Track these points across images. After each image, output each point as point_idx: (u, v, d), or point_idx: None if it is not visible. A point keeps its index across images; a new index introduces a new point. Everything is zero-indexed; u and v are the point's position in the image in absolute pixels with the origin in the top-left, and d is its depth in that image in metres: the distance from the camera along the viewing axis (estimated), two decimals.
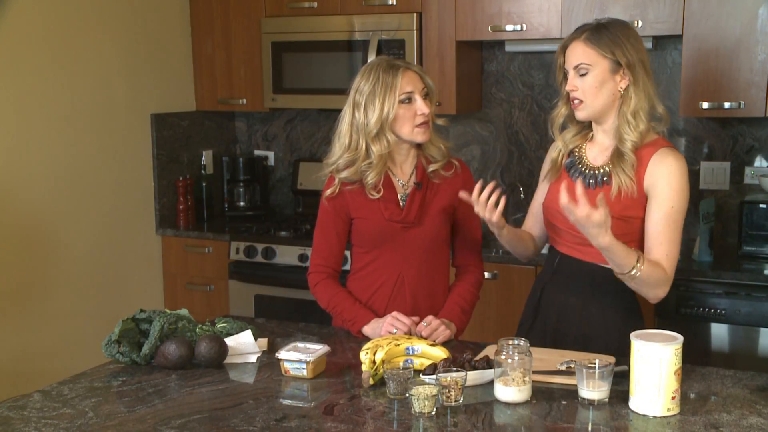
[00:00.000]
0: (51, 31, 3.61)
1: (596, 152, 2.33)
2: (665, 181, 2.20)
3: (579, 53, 2.23)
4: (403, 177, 2.49)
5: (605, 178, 2.27)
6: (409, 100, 2.38)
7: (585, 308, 2.33)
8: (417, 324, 2.37)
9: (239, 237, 4.01)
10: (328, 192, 2.47)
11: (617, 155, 2.24)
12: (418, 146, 2.49)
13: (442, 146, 2.49)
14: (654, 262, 2.19)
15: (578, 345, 2.24)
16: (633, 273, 2.14)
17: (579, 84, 2.24)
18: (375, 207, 2.45)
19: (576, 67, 2.24)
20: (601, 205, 2.04)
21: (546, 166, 2.48)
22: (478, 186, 2.24)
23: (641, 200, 2.23)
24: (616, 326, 2.29)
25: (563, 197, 2.07)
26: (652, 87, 2.24)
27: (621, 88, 2.23)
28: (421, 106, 2.38)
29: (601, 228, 2.05)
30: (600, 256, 2.27)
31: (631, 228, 2.25)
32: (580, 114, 2.28)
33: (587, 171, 2.31)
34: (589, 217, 2.03)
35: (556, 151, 2.41)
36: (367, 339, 2.36)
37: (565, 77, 2.30)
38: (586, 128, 2.38)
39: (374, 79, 2.37)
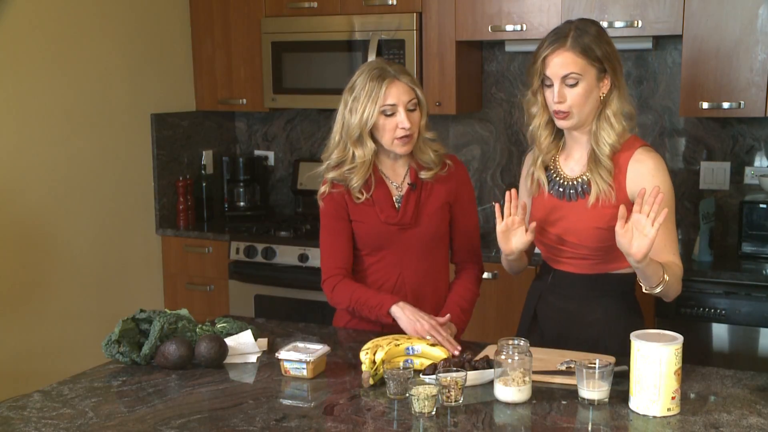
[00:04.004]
0: (51, 31, 3.61)
1: (572, 164, 2.31)
2: (649, 183, 2.14)
3: (569, 63, 2.16)
4: (396, 179, 2.49)
5: (584, 187, 2.25)
6: (391, 113, 2.35)
7: (587, 313, 2.32)
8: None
9: (239, 237, 4.01)
10: (321, 190, 2.47)
11: (594, 161, 2.22)
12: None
13: (431, 154, 2.45)
14: (667, 263, 2.16)
15: (583, 350, 2.22)
16: (660, 289, 2.11)
17: (568, 95, 2.18)
18: (370, 210, 2.45)
19: (564, 78, 2.17)
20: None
21: (523, 180, 2.44)
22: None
23: (626, 206, 2.18)
24: (619, 329, 2.27)
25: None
26: (626, 86, 2.25)
27: (603, 93, 2.20)
28: (402, 120, 2.34)
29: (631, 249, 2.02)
30: (594, 267, 2.28)
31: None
32: (565, 124, 2.22)
33: (566, 183, 2.29)
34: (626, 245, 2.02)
35: (532, 164, 2.37)
36: (394, 328, 2.33)
37: (543, 85, 2.23)
38: (559, 134, 2.33)
39: (361, 85, 2.36)
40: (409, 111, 2.36)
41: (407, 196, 2.46)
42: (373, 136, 2.39)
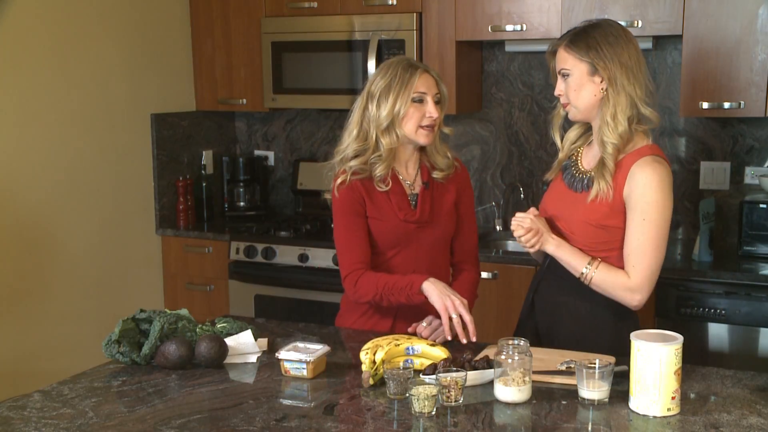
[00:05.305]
0: (51, 32, 3.61)
1: (590, 157, 2.37)
2: (640, 192, 2.21)
3: (560, 58, 2.31)
4: (409, 178, 2.50)
5: (590, 183, 2.30)
6: (420, 100, 2.40)
7: (576, 307, 2.35)
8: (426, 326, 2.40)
9: (239, 237, 4.01)
10: (339, 180, 2.45)
11: (601, 161, 2.28)
12: (422, 151, 2.50)
13: (449, 155, 2.51)
14: (614, 268, 2.26)
15: (570, 344, 2.26)
16: (582, 276, 2.26)
17: (563, 87, 2.31)
18: (388, 208, 2.45)
19: (560, 72, 2.31)
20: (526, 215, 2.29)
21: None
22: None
23: (620, 208, 2.25)
24: (607, 325, 2.32)
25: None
26: (637, 89, 2.25)
27: (602, 89, 2.26)
28: (431, 108, 2.40)
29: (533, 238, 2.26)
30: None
31: (611, 237, 2.27)
32: (570, 114, 2.35)
33: (577, 174, 2.36)
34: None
35: (560, 150, 2.48)
36: (414, 314, 2.37)
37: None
38: (589, 129, 2.41)
39: (392, 75, 2.40)
40: (434, 103, 2.42)
41: (422, 194, 2.48)
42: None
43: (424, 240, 2.48)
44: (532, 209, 2.34)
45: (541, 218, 2.33)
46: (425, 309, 2.40)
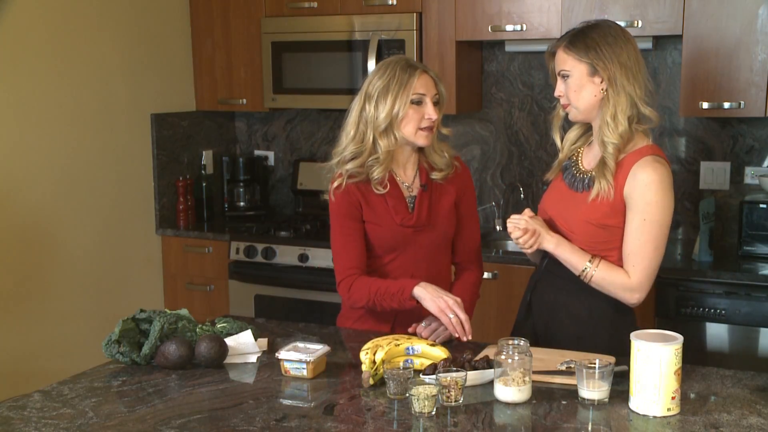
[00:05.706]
0: (51, 31, 3.61)
1: (590, 157, 2.37)
2: (639, 192, 2.22)
3: (560, 60, 2.31)
4: (407, 180, 2.49)
5: (591, 183, 2.30)
6: (419, 102, 2.38)
7: (573, 307, 2.36)
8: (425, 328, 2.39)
9: (239, 237, 4.01)
10: (335, 184, 2.44)
11: (602, 161, 2.28)
12: (420, 151, 2.49)
13: (446, 154, 2.49)
14: (615, 267, 2.27)
15: (568, 344, 2.27)
16: (583, 274, 2.27)
17: (563, 89, 2.31)
18: (385, 212, 2.44)
19: (559, 73, 2.31)
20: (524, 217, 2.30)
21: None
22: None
23: (620, 208, 2.25)
24: (605, 325, 2.33)
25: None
26: (637, 88, 2.25)
27: (602, 89, 2.26)
28: (429, 110, 2.38)
29: (532, 237, 2.28)
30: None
31: (611, 236, 2.28)
32: (570, 115, 2.35)
33: (578, 174, 2.36)
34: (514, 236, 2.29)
35: (560, 150, 2.48)
36: (415, 315, 2.37)
37: None
38: (589, 129, 2.41)
39: (390, 75, 2.37)
40: (433, 104, 2.40)
41: (420, 197, 2.46)
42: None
43: (422, 243, 2.47)
44: (527, 210, 2.33)
45: (537, 218, 2.33)
46: (425, 312, 2.39)
